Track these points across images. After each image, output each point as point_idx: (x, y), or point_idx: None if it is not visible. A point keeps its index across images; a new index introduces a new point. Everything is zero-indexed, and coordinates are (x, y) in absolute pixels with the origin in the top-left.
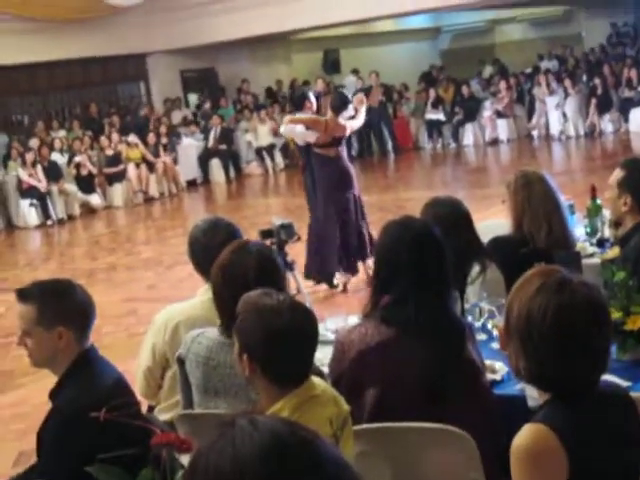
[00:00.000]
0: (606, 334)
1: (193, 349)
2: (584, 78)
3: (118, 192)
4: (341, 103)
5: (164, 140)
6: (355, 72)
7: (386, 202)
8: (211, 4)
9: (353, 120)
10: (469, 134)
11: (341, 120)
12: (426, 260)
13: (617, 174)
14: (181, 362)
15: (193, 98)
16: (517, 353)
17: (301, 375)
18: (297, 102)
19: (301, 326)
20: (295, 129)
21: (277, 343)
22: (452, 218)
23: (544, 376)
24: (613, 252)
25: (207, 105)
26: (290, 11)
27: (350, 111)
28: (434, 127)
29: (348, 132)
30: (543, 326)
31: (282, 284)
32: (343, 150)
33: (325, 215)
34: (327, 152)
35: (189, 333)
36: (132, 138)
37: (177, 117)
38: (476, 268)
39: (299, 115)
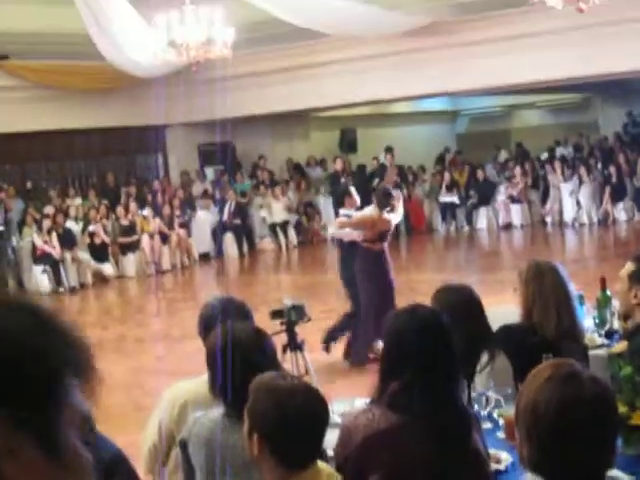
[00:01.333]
0: (611, 430)
1: (195, 431)
2: (599, 166)
3: (131, 262)
4: (385, 200)
5: (178, 212)
6: (389, 150)
7: (398, 284)
8: (231, 80)
9: (394, 214)
10: (483, 218)
11: (385, 215)
12: (434, 348)
13: (628, 267)
14: (184, 446)
15: (210, 172)
16: (522, 441)
17: (309, 458)
18: (339, 197)
19: (313, 410)
20: (344, 232)
21: (289, 425)
22: (463, 305)
23: (547, 467)
24: (621, 346)
25: (224, 179)
26: (311, 90)
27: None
28: (448, 210)
29: (392, 226)
30: (547, 417)
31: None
32: (386, 244)
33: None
34: (373, 246)
35: (191, 416)
36: (147, 212)
37: (197, 189)
38: (485, 356)
39: (345, 215)
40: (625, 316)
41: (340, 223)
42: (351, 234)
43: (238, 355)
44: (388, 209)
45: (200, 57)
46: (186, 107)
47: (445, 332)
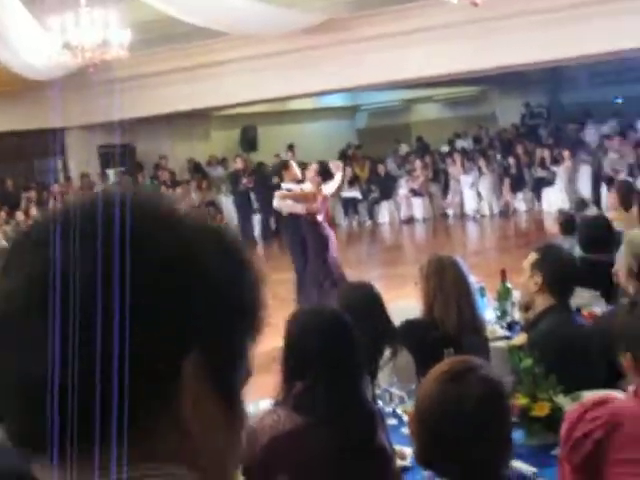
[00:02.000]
0: (500, 427)
1: None
2: (498, 157)
3: None
4: (325, 173)
5: None
6: (290, 148)
7: None
8: (129, 80)
9: (329, 185)
10: (385, 212)
11: (323, 189)
12: (336, 348)
13: (531, 257)
14: None
15: (111, 173)
16: (413, 438)
17: None
18: (277, 171)
19: None
20: (286, 203)
21: None
22: (364, 302)
23: (434, 463)
24: (520, 339)
25: (124, 181)
26: (210, 89)
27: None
28: (350, 205)
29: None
30: (431, 415)
31: None
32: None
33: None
34: (314, 219)
35: None
36: None
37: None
38: (387, 352)
39: (286, 188)
40: (526, 307)
41: (283, 195)
42: (294, 206)
43: None
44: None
45: (96, 59)
46: (84, 109)
47: (347, 331)
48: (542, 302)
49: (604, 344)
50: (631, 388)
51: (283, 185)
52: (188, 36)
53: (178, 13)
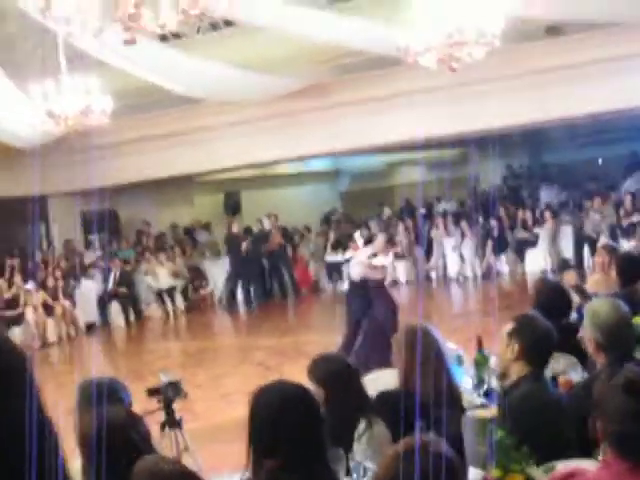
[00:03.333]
0: None
1: None
2: (480, 220)
3: (16, 336)
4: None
5: (61, 283)
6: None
7: (285, 346)
8: (111, 147)
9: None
10: None
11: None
12: (305, 424)
13: (508, 326)
14: None
15: (94, 240)
16: None
17: None
18: (340, 242)
19: None
20: (366, 271)
21: None
22: (339, 375)
23: None
24: (491, 411)
25: (108, 248)
26: (192, 155)
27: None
28: (334, 269)
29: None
30: None
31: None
32: None
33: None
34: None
35: None
36: (30, 285)
37: (88, 259)
38: (363, 424)
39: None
40: (503, 374)
41: (367, 264)
42: (373, 273)
43: (114, 440)
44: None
45: (78, 126)
46: (67, 175)
47: (314, 405)
48: (518, 370)
49: (579, 414)
50: (601, 457)
51: (358, 254)
52: (169, 102)
53: (159, 81)
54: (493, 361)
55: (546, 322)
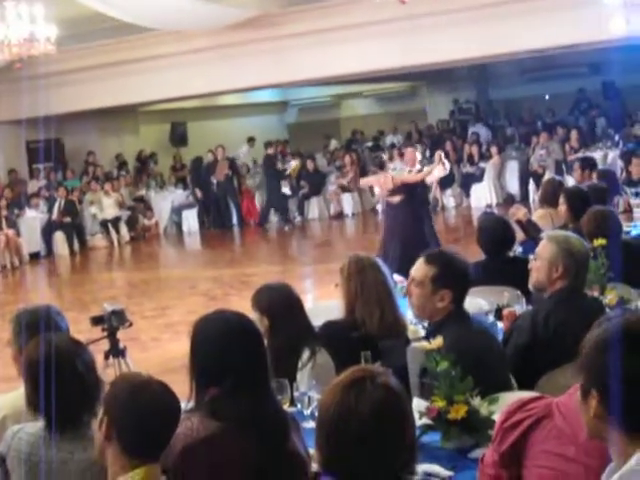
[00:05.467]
0: (398, 433)
1: (14, 445)
2: (427, 153)
3: None
4: None
5: (5, 212)
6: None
7: (230, 277)
8: (56, 75)
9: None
10: (314, 208)
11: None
12: (247, 353)
13: (426, 271)
14: (1, 460)
15: (39, 169)
16: (316, 446)
17: (153, 450)
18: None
19: (167, 402)
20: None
21: (140, 410)
22: (282, 304)
23: (333, 470)
24: (437, 342)
25: (53, 177)
26: (138, 84)
27: None
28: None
29: None
30: (327, 423)
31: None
32: None
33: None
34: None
35: (9, 429)
36: None
37: (32, 187)
38: (306, 353)
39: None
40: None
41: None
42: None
43: (59, 367)
44: None
45: (23, 54)
46: (12, 104)
47: (256, 335)
48: (444, 311)
49: (518, 343)
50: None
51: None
52: (115, 31)
53: (104, 9)
54: None
55: (464, 259)
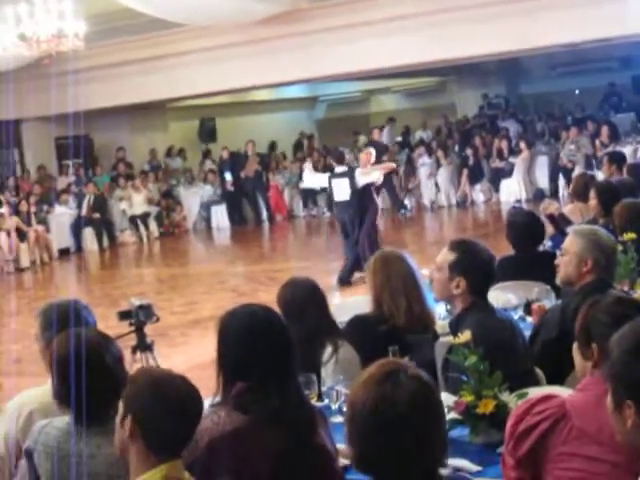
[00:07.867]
0: (432, 426)
1: (41, 440)
2: (456, 148)
3: None
4: None
5: (34, 209)
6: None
7: (257, 273)
8: (85, 72)
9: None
10: None
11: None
12: (275, 347)
13: (447, 256)
14: (29, 455)
15: (68, 165)
16: (346, 439)
17: (178, 447)
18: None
19: (190, 397)
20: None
21: (163, 407)
22: (306, 299)
23: (367, 465)
24: (465, 336)
25: (82, 173)
26: (167, 80)
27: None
28: (309, 196)
29: None
30: (361, 417)
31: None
32: None
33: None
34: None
35: (36, 424)
36: (4, 210)
37: (61, 184)
38: (329, 349)
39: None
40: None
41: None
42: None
43: (88, 361)
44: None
45: (52, 50)
46: (40, 100)
47: (284, 329)
48: (462, 302)
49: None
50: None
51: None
52: (145, 27)
53: (133, 4)
54: None
55: (487, 251)
